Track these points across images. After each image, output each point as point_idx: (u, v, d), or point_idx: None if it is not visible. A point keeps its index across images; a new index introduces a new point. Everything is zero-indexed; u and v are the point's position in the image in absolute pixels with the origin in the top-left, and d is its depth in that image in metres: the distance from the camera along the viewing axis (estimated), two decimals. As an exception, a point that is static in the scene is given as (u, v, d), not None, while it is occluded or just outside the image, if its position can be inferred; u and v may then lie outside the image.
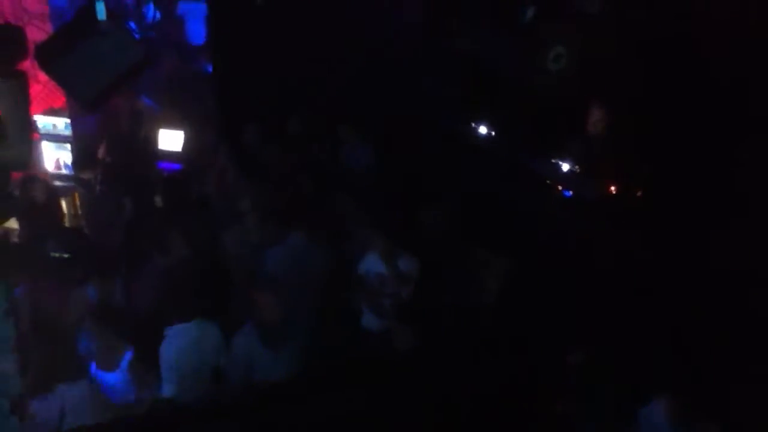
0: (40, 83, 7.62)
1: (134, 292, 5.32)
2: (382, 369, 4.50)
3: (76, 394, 4.17)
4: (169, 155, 7.55)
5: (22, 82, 4.48)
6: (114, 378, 4.58)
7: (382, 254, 5.18)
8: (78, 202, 7.54)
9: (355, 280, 5.25)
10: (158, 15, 7.82)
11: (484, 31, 4.99)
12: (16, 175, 7.11)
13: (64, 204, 7.32)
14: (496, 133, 6.19)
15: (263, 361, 4.51)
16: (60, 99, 7.66)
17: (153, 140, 7.57)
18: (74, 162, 7.51)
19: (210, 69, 8.06)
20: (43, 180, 7.23)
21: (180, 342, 4.52)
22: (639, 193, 5.17)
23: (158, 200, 6.49)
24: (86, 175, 7.19)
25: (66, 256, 6.17)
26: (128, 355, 4.60)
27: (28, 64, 6.26)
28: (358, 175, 6.58)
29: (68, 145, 7.58)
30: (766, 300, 4.29)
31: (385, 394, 4.17)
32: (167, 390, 4.51)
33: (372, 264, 5.23)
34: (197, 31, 8.04)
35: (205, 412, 4.22)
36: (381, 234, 5.16)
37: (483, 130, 6.26)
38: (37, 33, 7.15)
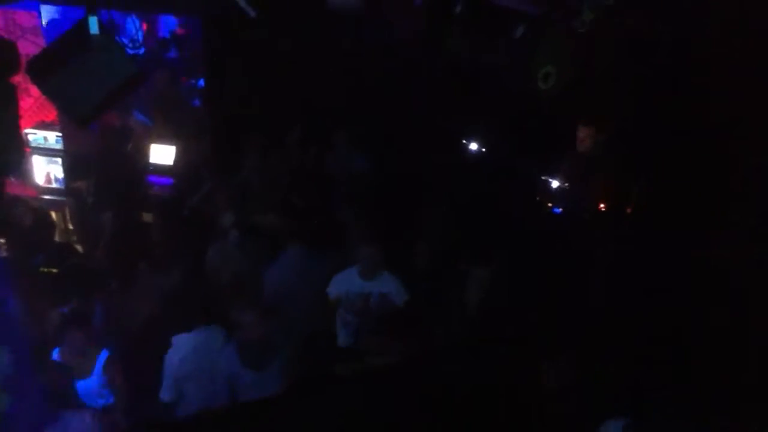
0: (32, 97, 7.63)
1: (125, 306, 5.31)
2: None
3: (80, 422, 4.13)
4: (161, 169, 7.56)
5: (11, 92, 4.50)
6: (89, 383, 4.57)
7: (362, 271, 5.13)
8: (68, 216, 7.53)
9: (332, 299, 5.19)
10: (149, 30, 7.84)
11: (474, 47, 5.01)
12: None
13: (54, 217, 7.29)
14: (486, 148, 6.23)
15: (245, 380, 4.50)
16: (51, 113, 7.66)
17: (144, 154, 7.58)
18: (65, 174, 7.50)
19: (202, 83, 8.09)
20: (27, 201, 7.20)
21: (187, 347, 4.56)
22: (629, 210, 5.22)
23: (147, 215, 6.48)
24: (78, 185, 7.17)
25: (54, 271, 6.15)
26: (103, 357, 4.61)
27: (20, 78, 6.29)
28: (351, 182, 6.58)
29: (59, 159, 7.57)
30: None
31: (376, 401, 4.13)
32: (166, 396, 4.57)
33: (349, 282, 5.18)
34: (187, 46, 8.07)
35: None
36: (367, 248, 5.13)
37: (473, 146, 6.30)
38: (30, 47, 7.17)
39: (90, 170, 7.14)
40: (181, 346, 4.59)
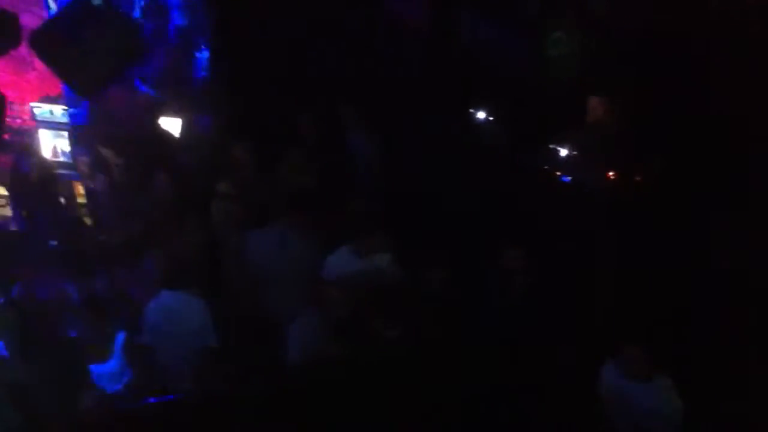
0: (37, 70, 7.58)
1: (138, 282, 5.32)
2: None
3: None
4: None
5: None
6: (109, 367, 4.58)
7: (358, 248, 5.03)
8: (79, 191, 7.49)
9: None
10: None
11: (485, 19, 4.96)
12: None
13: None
14: (493, 119, 6.16)
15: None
16: (57, 86, 7.60)
17: (152, 126, 7.51)
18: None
19: (208, 55, 8.00)
20: (39, 157, 7.19)
21: (163, 302, 4.64)
22: (639, 179, 5.16)
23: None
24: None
25: (66, 247, 6.15)
26: (121, 338, 4.61)
27: (25, 51, 6.26)
28: (359, 164, 6.51)
29: (66, 133, 7.54)
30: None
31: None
32: (144, 339, 4.66)
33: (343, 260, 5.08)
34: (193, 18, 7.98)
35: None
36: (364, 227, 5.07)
37: (481, 116, 6.22)
38: (34, 20, 7.09)
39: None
40: (160, 298, 4.67)
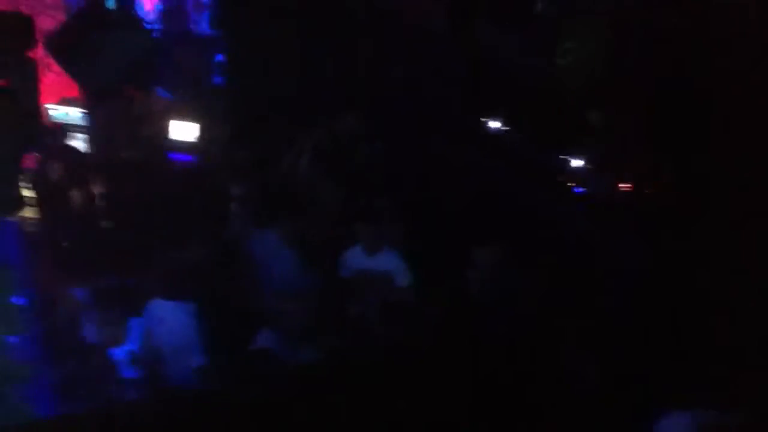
0: (54, 73, 7.66)
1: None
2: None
3: None
4: (181, 146, 7.55)
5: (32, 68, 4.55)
6: (122, 351, 4.58)
7: (366, 246, 5.09)
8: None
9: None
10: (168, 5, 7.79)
11: (496, 24, 4.93)
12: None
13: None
14: (506, 128, 6.13)
15: None
16: (74, 88, 7.67)
17: (165, 130, 7.56)
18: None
19: (222, 59, 8.04)
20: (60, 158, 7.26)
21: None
22: (651, 189, 5.10)
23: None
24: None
25: (80, 247, 6.20)
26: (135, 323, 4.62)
27: (42, 54, 6.32)
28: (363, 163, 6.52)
29: (82, 135, 7.61)
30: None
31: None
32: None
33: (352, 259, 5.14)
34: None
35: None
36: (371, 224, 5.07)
37: (493, 125, 6.19)
38: (51, 23, 7.16)
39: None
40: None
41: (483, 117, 6.27)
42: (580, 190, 5.45)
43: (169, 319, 4.60)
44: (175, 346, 4.52)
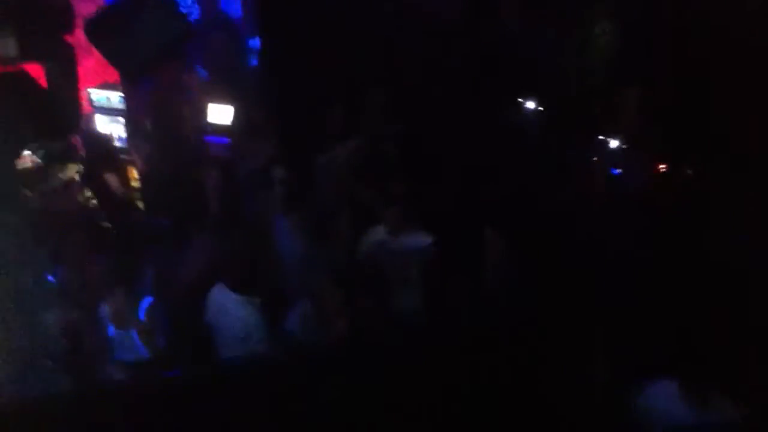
0: (94, 57, 7.79)
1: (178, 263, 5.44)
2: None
3: None
4: (218, 129, 7.63)
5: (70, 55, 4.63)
6: (126, 333, 4.65)
7: (390, 226, 5.08)
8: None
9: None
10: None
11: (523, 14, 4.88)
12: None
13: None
14: (539, 113, 6.07)
15: None
16: (114, 73, 7.79)
17: (202, 113, 7.64)
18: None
19: (257, 43, 8.09)
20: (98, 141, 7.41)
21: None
22: (689, 172, 5.00)
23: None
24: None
25: (119, 230, 6.33)
26: (147, 303, 4.69)
27: (83, 38, 6.44)
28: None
29: (121, 119, 7.74)
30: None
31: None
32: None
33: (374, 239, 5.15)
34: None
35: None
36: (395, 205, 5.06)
37: (526, 108, 6.13)
38: (91, 7, 7.29)
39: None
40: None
41: (509, 101, 6.20)
42: (616, 171, 5.36)
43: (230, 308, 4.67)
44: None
